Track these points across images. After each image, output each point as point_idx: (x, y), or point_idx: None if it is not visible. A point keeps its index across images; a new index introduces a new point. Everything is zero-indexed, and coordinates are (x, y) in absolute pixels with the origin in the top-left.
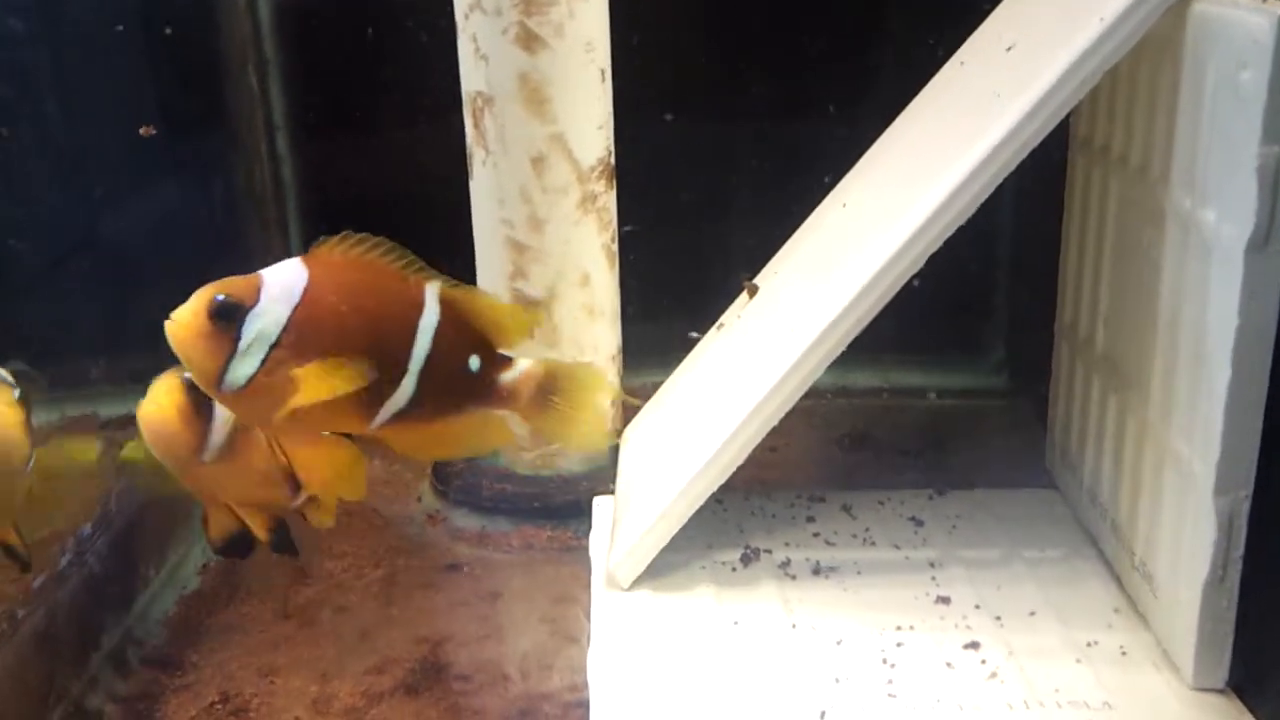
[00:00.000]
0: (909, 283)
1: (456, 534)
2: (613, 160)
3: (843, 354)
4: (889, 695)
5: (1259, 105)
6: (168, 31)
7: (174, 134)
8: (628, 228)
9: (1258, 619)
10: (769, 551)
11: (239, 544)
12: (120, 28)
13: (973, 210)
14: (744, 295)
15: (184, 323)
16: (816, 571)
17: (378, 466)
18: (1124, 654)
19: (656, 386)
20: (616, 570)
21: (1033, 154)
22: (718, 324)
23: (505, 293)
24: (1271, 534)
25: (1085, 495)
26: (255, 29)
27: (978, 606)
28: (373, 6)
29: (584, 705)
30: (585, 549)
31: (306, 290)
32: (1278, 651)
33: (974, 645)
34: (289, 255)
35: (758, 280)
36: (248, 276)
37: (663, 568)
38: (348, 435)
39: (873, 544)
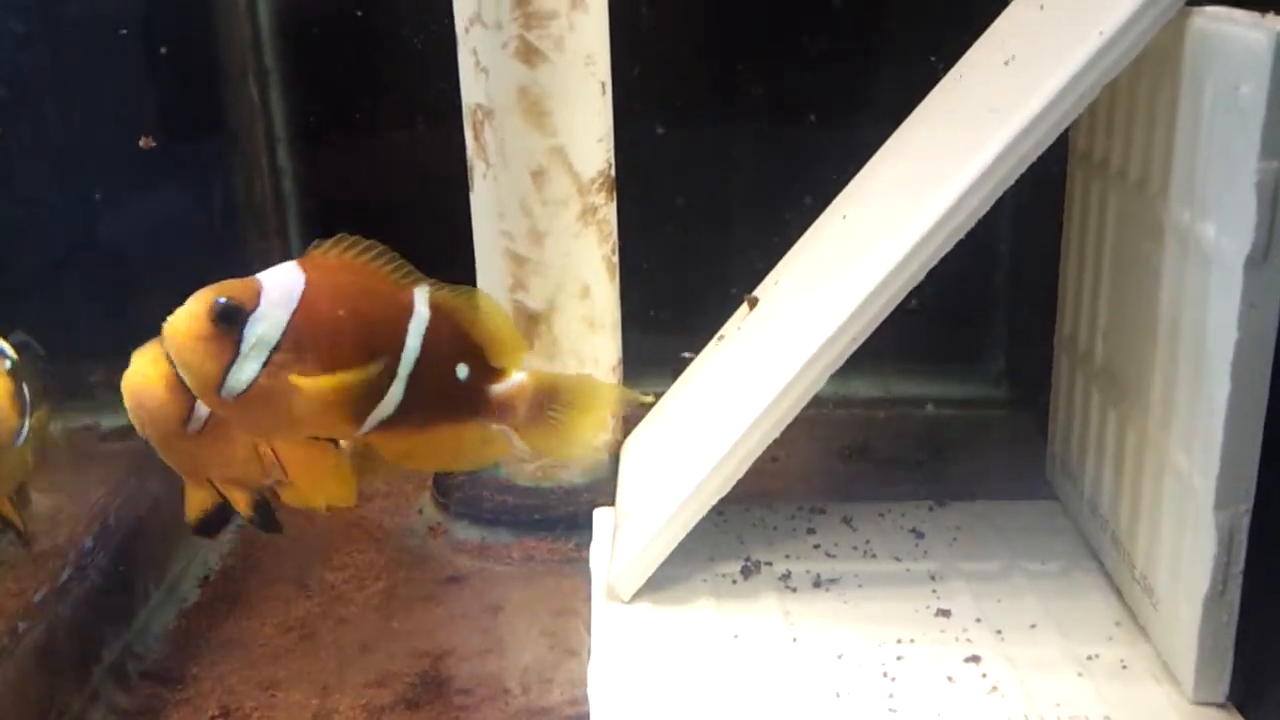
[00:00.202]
0: (908, 297)
1: (457, 546)
2: (613, 172)
3: (843, 364)
4: (890, 710)
5: (1258, 120)
6: (168, 40)
7: (174, 143)
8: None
9: (1258, 633)
10: (769, 564)
11: (212, 523)
12: (121, 36)
13: (973, 223)
14: (744, 307)
15: (184, 325)
16: (817, 584)
17: (379, 479)
18: (1125, 667)
19: (658, 398)
20: (617, 583)
21: (1032, 167)
22: (718, 335)
23: (505, 305)
24: (1272, 548)
25: (1086, 507)
26: (255, 38)
27: (978, 619)
28: (373, 18)
29: (585, 719)
30: (586, 561)
31: (304, 294)
32: (1278, 666)
33: (975, 659)
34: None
35: (758, 290)
36: (245, 280)
37: (663, 580)
38: (333, 442)
39: (873, 556)
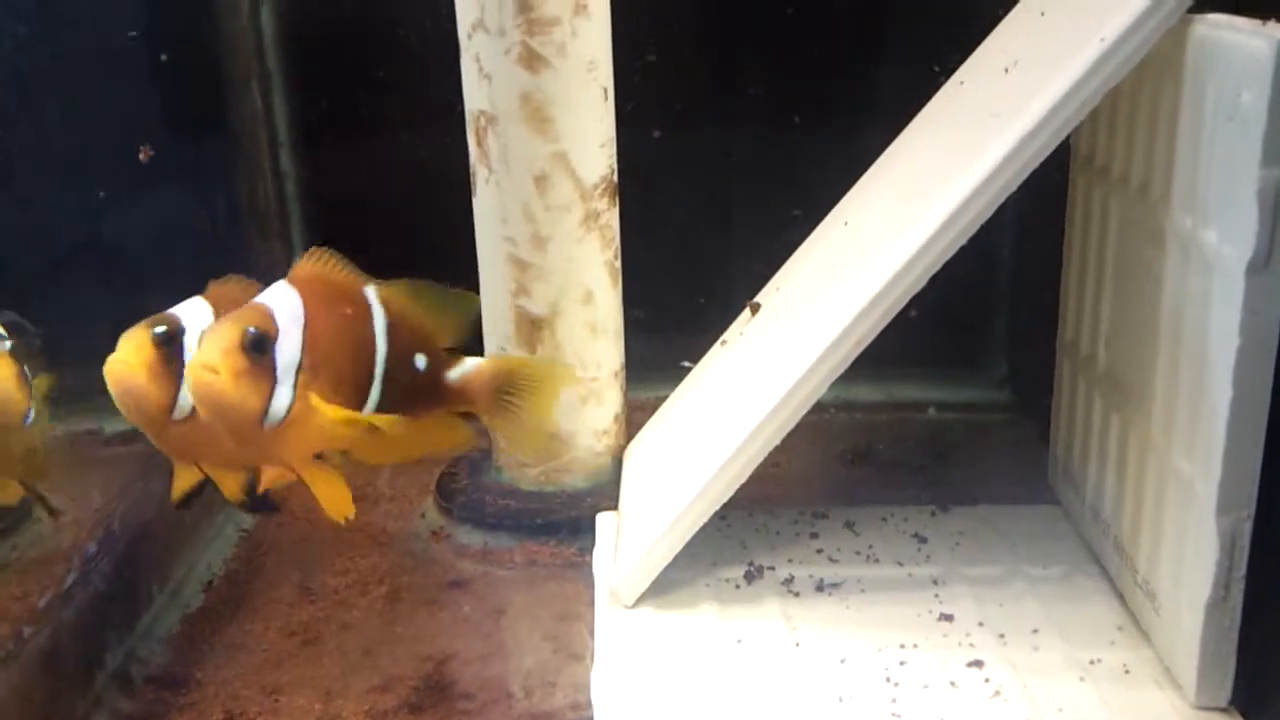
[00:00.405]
0: (910, 303)
1: (460, 550)
2: (615, 178)
3: (845, 369)
4: (893, 715)
5: (1259, 128)
6: (171, 45)
7: (177, 147)
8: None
9: (1261, 638)
10: (772, 568)
11: (190, 498)
12: (124, 41)
13: (975, 229)
14: (746, 313)
15: (217, 364)
16: (820, 589)
17: (382, 483)
18: (1127, 672)
19: (659, 402)
20: (620, 587)
21: (1034, 172)
22: (721, 340)
23: (508, 310)
24: (1274, 554)
25: (1088, 512)
26: (259, 43)
27: (981, 624)
28: (376, 24)
29: None
30: (589, 566)
31: (306, 311)
32: None
33: (977, 664)
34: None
35: (760, 295)
36: (251, 306)
37: (666, 585)
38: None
39: (876, 561)
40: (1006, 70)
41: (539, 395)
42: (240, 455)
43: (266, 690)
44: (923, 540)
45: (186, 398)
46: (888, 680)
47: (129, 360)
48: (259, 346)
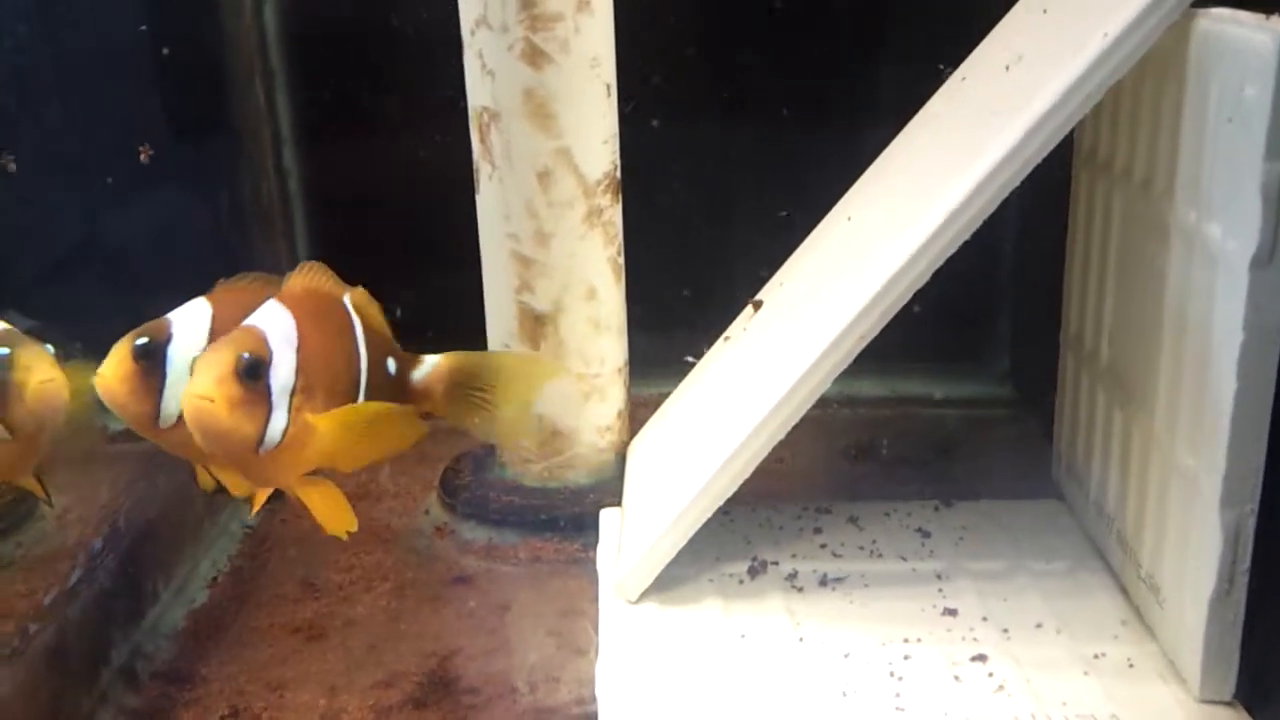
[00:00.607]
0: (913, 298)
1: (464, 547)
2: (619, 174)
3: (849, 364)
4: (897, 709)
5: (1262, 122)
6: (174, 42)
7: (180, 145)
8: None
9: (1265, 632)
10: (776, 564)
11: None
12: (126, 41)
13: (978, 224)
14: (749, 309)
15: (211, 392)
16: (823, 583)
17: (385, 480)
18: (1131, 666)
19: (663, 399)
20: (624, 583)
21: (1037, 168)
22: (724, 336)
23: (512, 306)
24: (1278, 547)
25: (1092, 507)
26: (262, 40)
27: (985, 618)
28: (379, 20)
29: (592, 718)
30: (592, 561)
31: (299, 332)
32: None
33: (981, 658)
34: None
35: (763, 292)
36: (244, 330)
37: (670, 580)
38: None
39: (879, 556)
40: (1009, 66)
41: (504, 388)
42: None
43: (271, 686)
44: (926, 535)
45: (170, 409)
46: (891, 674)
47: (107, 374)
48: (253, 373)
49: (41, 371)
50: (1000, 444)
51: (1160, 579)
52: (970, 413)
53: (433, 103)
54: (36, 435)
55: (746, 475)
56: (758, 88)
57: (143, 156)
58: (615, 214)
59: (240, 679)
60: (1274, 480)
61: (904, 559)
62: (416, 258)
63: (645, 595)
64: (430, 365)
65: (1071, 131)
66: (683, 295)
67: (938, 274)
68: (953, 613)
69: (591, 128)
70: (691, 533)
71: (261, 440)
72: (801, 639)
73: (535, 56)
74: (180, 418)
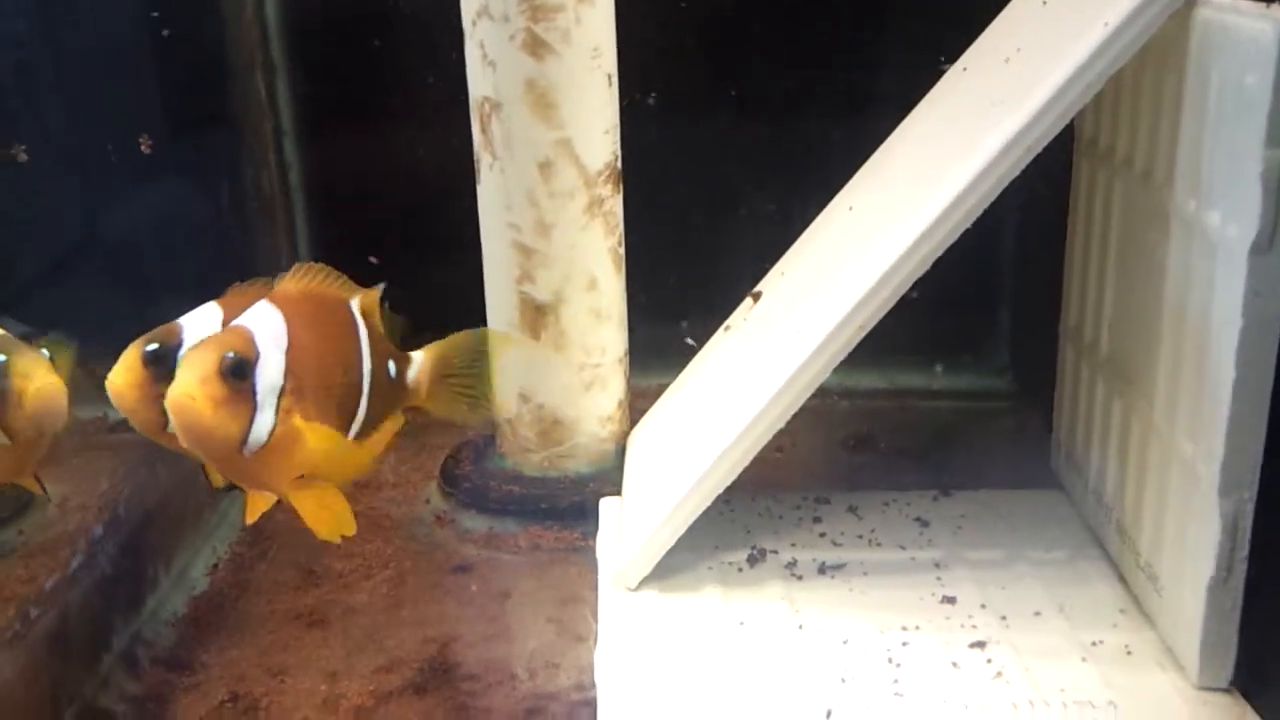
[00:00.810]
0: (913, 288)
1: (464, 535)
2: (620, 165)
3: (848, 355)
4: (895, 695)
5: (1263, 110)
6: (175, 36)
7: (181, 137)
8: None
9: (1263, 619)
10: (775, 552)
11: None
12: (127, 33)
13: (978, 213)
14: (748, 300)
15: (196, 391)
16: (822, 572)
17: (386, 469)
18: (1129, 653)
19: (663, 389)
20: (623, 571)
21: (1038, 157)
22: (724, 326)
23: (513, 296)
24: (1276, 535)
25: (1090, 496)
26: (263, 32)
27: (983, 606)
28: (380, 12)
29: (591, 704)
30: (592, 550)
31: (290, 333)
32: None
33: (979, 645)
34: (297, 259)
35: (764, 282)
36: (231, 329)
37: (669, 568)
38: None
39: (878, 544)
40: (1010, 57)
41: (473, 369)
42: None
43: (271, 672)
44: (925, 524)
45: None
46: (890, 661)
47: (117, 380)
48: (238, 372)
49: (39, 377)
50: (999, 435)
51: (1158, 567)
52: (970, 404)
53: (434, 94)
54: (36, 439)
55: (746, 464)
56: (759, 78)
57: (143, 148)
58: (616, 204)
59: (241, 665)
60: (1272, 468)
61: (903, 548)
62: (418, 248)
63: (645, 583)
64: (418, 362)
65: (1072, 121)
66: (683, 286)
67: (938, 265)
68: (951, 600)
69: (592, 118)
70: (691, 521)
71: (245, 440)
72: (800, 626)
73: (536, 47)
74: None
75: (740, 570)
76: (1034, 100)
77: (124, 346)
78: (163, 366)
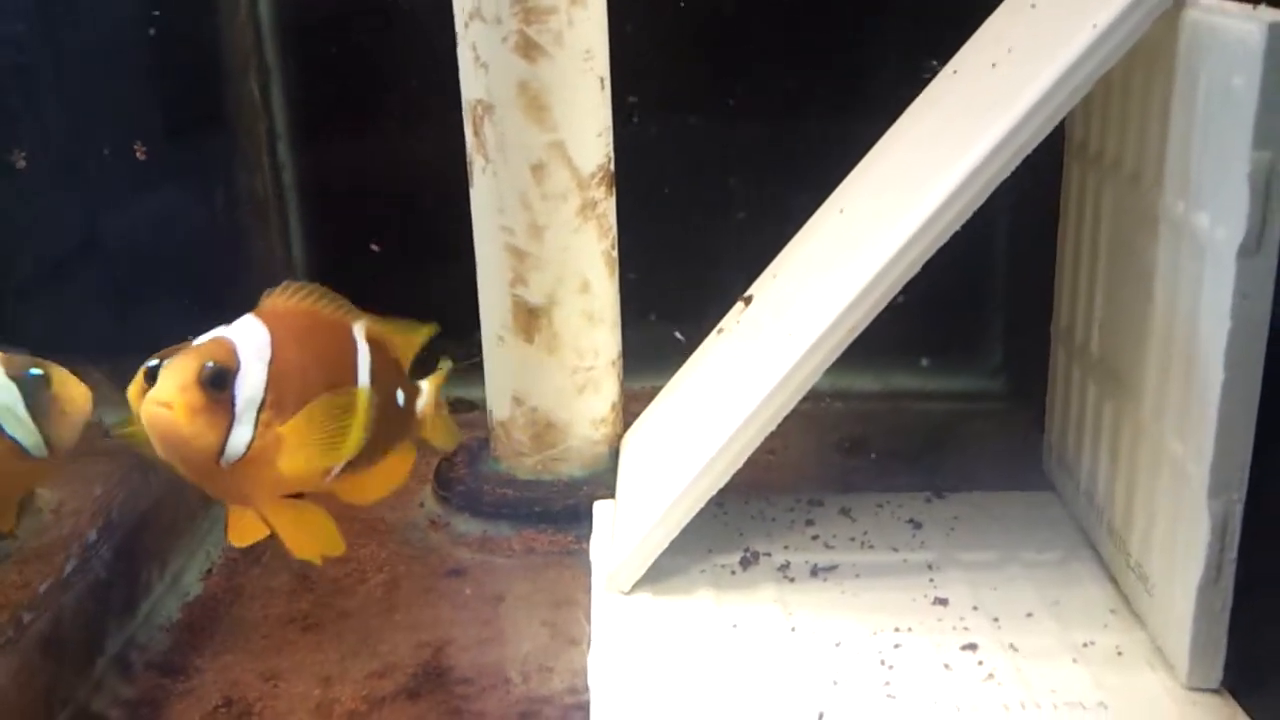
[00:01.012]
0: (904, 292)
1: (458, 539)
2: (612, 167)
3: (841, 358)
4: (887, 696)
5: (1250, 111)
6: (169, 37)
7: (175, 140)
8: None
9: (1252, 619)
10: (768, 554)
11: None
12: (122, 37)
13: (969, 215)
14: (739, 305)
15: (175, 399)
16: (815, 574)
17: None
18: (1120, 654)
19: (656, 392)
20: (617, 574)
21: (1028, 159)
22: (717, 329)
23: (506, 298)
24: (1265, 535)
25: (1082, 497)
26: (257, 35)
27: (975, 608)
28: (373, 14)
29: (585, 708)
30: (586, 553)
31: (274, 347)
32: (1272, 651)
33: (971, 646)
34: (290, 263)
35: (756, 284)
36: (213, 340)
37: (663, 571)
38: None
39: (871, 547)
40: (999, 59)
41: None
42: (212, 491)
43: (265, 676)
44: (918, 526)
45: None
46: (882, 663)
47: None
48: (217, 382)
49: (75, 390)
50: (992, 437)
51: (1149, 568)
52: (963, 406)
53: (426, 96)
54: (62, 452)
55: (738, 466)
56: (752, 80)
57: (138, 155)
58: (609, 207)
59: (234, 670)
60: (1261, 469)
61: (895, 550)
62: (411, 251)
63: (638, 586)
64: (426, 394)
65: (1062, 124)
66: (676, 288)
67: (931, 268)
68: (943, 602)
69: (585, 121)
70: (684, 524)
71: (222, 451)
72: (793, 629)
73: (529, 49)
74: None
75: (733, 573)
76: (1023, 102)
77: (117, 346)
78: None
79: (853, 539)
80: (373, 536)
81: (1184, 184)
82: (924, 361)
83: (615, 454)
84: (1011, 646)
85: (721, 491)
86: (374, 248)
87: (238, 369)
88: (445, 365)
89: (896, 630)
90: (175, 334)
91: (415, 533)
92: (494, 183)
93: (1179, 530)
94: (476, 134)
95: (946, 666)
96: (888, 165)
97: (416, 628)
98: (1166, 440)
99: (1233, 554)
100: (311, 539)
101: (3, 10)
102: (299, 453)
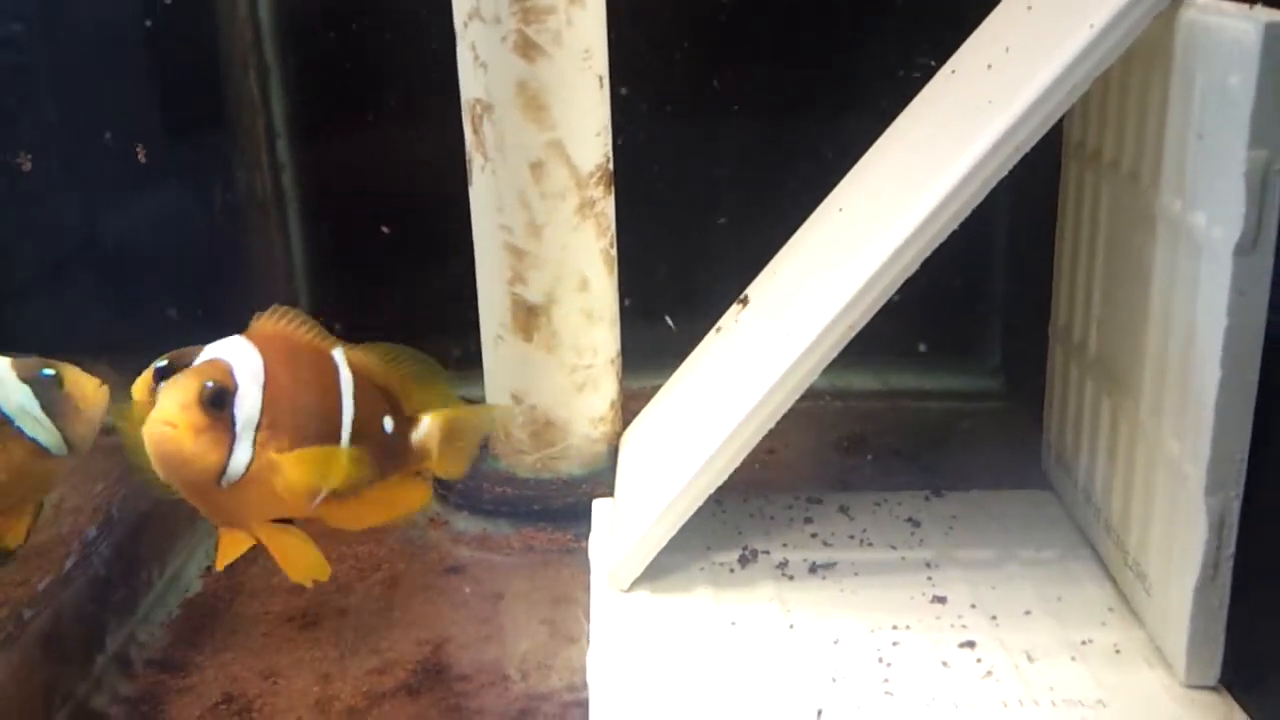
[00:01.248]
0: (902, 292)
1: (458, 537)
2: (611, 166)
3: (840, 357)
4: (885, 694)
5: (1246, 110)
6: (169, 37)
7: (174, 140)
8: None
9: (1249, 616)
10: (767, 552)
11: None
12: (121, 36)
13: (967, 214)
14: (737, 306)
15: (174, 418)
16: (814, 572)
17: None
18: (1118, 652)
19: (655, 390)
20: (616, 571)
21: (1026, 159)
22: (715, 327)
23: (505, 297)
24: (1262, 532)
25: (1080, 496)
26: (256, 34)
27: (973, 606)
28: (372, 14)
29: (583, 705)
30: (585, 551)
31: (266, 369)
32: (1269, 648)
33: (970, 644)
34: (290, 262)
35: (755, 283)
36: (209, 361)
37: (661, 569)
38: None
39: (870, 545)
40: (997, 59)
41: (475, 440)
42: (208, 514)
43: (265, 674)
44: (916, 524)
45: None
46: (880, 661)
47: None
48: (218, 402)
49: (87, 386)
50: (990, 436)
51: (1147, 566)
52: (961, 405)
53: (425, 95)
54: (82, 448)
55: (737, 464)
56: (750, 80)
57: (138, 155)
58: (608, 206)
59: (234, 667)
60: (1258, 466)
61: (894, 548)
62: (410, 250)
63: (637, 584)
64: (426, 426)
65: (1060, 123)
66: (675, 287)
67: (929, 267)
68: (942, 600)
69: (584, 120)
70: (683, 522)
71: (223, 472)
72: (792, 626)
73: (528, 49)
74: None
75: (732, 570)
76: (1021, 101)
77: (117, 345)
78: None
79: (851, 537)
80: (372, 534)
81: (1181, 183)
82: (922, 360)
83: (614, 452)
84: (1010, 644)
85: (720, 489)
86: (385, 229)
87: (235, 389)
88: (451, 404)
89: (895, 628)
90: (174, 333)
91: (414, 530)
92: (493, 181)
93: (1176, 528)
94: (475, 133)
95: (945, 664)
96: (886, 164)
97: (416, 625)
98: (1164, 438)
99: (1230, 552)
100: (301, 564)
101: (2, 10)
102: (295, 476)
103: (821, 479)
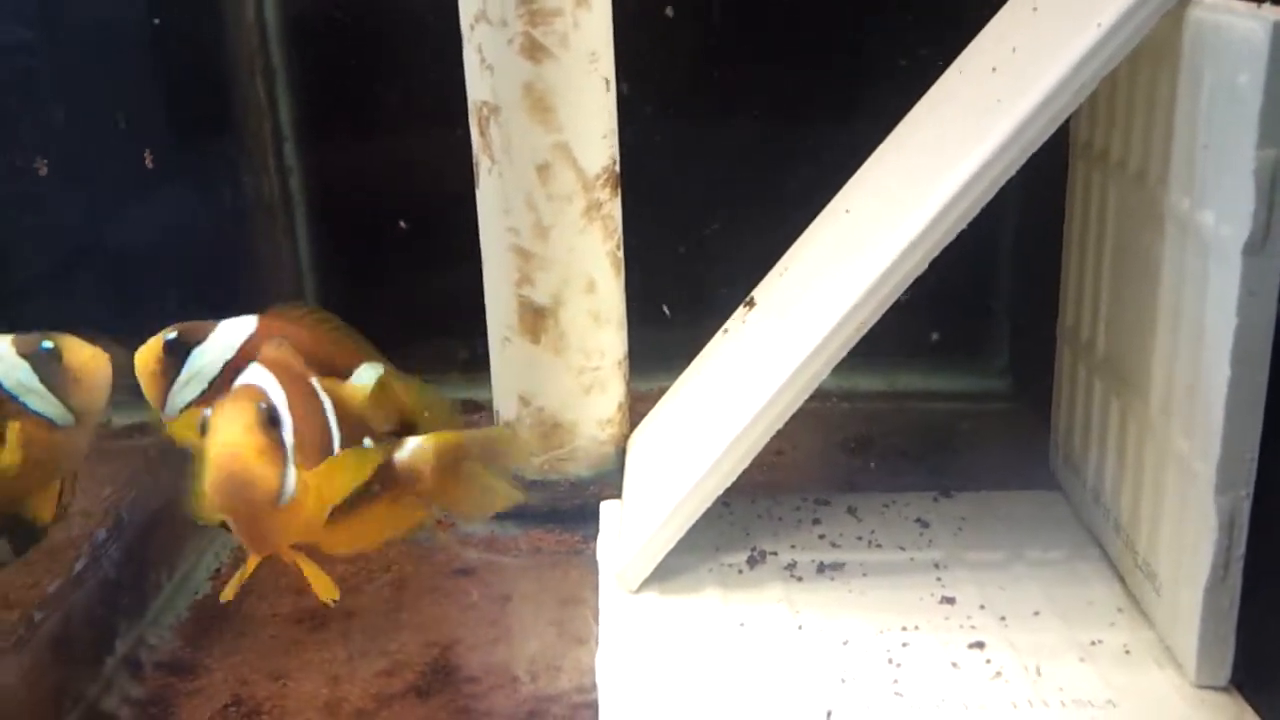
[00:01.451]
0: (910, 292)
1: (465, 539)
2: (618, 168)
3: (847, 358)
4: (895, 695)
5: (1255, 108)
6: (175, 40)
7: (181, 143)
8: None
9: (1260, 617)
10: (775, 554)
11: None
12: (128, 39)
13: (974, 214)
14: (744, 308)
15: (244, 440)
16: (822, 573)
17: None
18: (1127, 652)
19: (662, 392)
20: (624, 573)
21: (1034, 158)
22: (723, 329)
23: (512, 299)
24: (1273, 532)
25: (1089, 496)
26: (262, 37)
27: (982, 607)
28: (379, 16)
29: (593, 706)
30: (593, 553)
31: (287, 394)
32: None
33: (979, 645)
34: (298, 265)
35: (763, 284)
36: (244, 385)
37: (670, 570)
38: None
39: (878, 546)
40: (1004, 58)
41: (491, 465)
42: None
43: (273, 676)
44: (925, 525)
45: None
46: (890, 661)
47: (138, 355)
48: (274, 422)
49: (86, 355)
50: (998, 437)
51: (1156, 566)
52: (969, 406)
53: (432, 98)
54: (91, 417)
55: (745, 465)
56: (757, 81)
57: (146, 160)
58: (614, 208)
59: (243, 669)
60: (1268, 465)
61: (902, 549)
62: (417, 252)
63: (645, 585)
64: (413, 447)
65: (1067, 123)
66: (682, 289)
67: (936, 267)
68: (951, 601)
69: (590, 122)
70: (691, 523)
71: (281, 493)
72: (800, 627)
73: (534, 51)
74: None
75: (740, 572)
76: (1028, 101)
77: (125, 347)
78: (176, 356)
79: (859, 538)
80: None
81: (1189, 182)
82: (930, 361)
83: (622, 454)
84: (1019, 645)
85: (728, 491)
86: (403, 224)
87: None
88: (451, 428)
89: (904, 629)
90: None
91: (422, 532)
92: (500, 184)
93: (1186, 528)
94: (482, 135)
95: (954, 665)
96: (893, 165)
97: (424, 627)
98: (1173, 438)
99: (1240, 551)
100: (322, 582)
101: (10, 15)
102: (326, 489)
103: (829, 480)
